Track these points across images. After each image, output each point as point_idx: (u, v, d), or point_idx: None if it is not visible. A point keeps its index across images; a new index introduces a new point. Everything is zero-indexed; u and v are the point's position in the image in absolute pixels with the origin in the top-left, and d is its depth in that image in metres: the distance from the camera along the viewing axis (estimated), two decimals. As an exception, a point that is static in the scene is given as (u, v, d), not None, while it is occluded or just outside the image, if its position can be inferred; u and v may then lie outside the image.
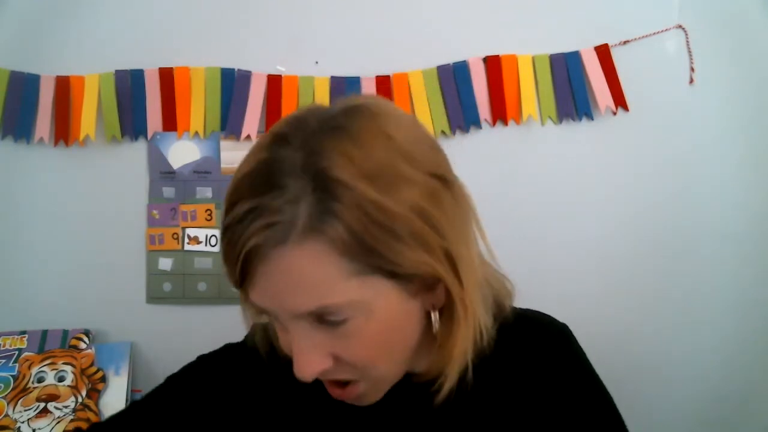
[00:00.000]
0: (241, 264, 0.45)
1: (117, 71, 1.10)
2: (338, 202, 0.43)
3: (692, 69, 1.14)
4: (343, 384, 0.52)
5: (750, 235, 1.15)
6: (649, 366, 1.16)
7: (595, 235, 1.15)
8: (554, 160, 1.14)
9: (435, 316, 0.53)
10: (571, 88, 1.13)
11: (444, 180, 0.50)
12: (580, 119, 1.13)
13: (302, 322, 0.47)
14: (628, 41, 1.13)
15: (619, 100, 1.13)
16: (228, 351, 0.69)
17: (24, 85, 1.08)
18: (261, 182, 0.45)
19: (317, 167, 0.44)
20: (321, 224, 0.43)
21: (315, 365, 0.48)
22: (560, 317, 0.75)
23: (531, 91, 1.12)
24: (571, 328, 0.76)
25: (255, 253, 0.44)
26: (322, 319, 0.46)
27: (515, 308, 0.62)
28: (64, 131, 1.09)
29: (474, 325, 0.52)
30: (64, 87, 1.09)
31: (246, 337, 0.65)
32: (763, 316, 1.16)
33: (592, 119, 1.14)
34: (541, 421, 0.60)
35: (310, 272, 0.44)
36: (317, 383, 0.53)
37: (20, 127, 1.08)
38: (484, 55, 1.13)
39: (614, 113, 1.13)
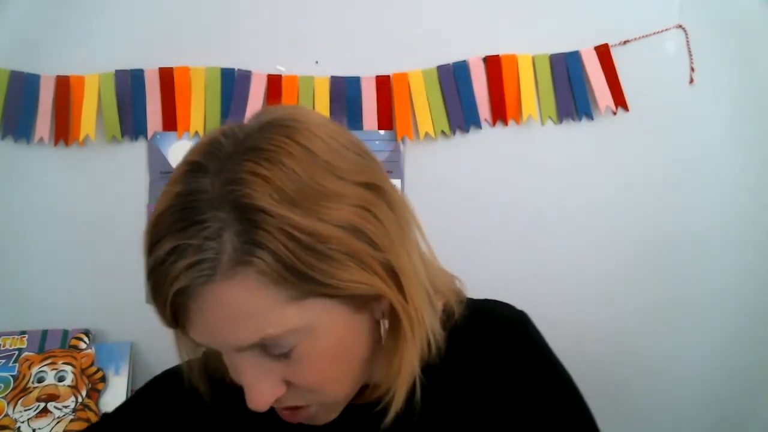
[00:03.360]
0: (171, 306, 0.42)
1: (117, 71, 1.10)
2: (262, 230, 0.41)
3: (692, 69, 1.14)
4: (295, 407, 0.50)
5: (751, 235, 1.15)
6: (650, 366, 1.16)
7: (596, 235, 1.15)
8: (554, 160, 1.14)
9: (384, 326, 0.51)
10: (571, 88, 1.13)
11: (375, 188, 0.47)
12: (580, 119, 1.13)
13: (248, 354, 0.45)
14: (628, 41, 1.13)
15: (619, 100, 1.13)
16: (165, 385, 0.63)
17: (24, 85, 1.08)
18: (179, 218, 0.42)
19: (235, 195, 0.41)
20: (247, 256, 0.41)
21: (268, 395, 0.46)
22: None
23: (531, 91, 1.12)
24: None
25: (183, 293, 0.41)
26: (267, 349, 0.44)
27: (469, 302, 0.59)
28: (64, 131, 1.09)
29: (421, 338, 0.50)
30: (64, 87, 1.09)
31: (182, 373, 0.61)
32: (766, 316, 1.16)
33: (592, 119, 1.14)
34: (501, 420, 0.57)
35: (244, 305, 0.42)
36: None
37: (20, 127, 1.08)
38: (484, 55, 1.13)
39: (614, 113, 1.13)
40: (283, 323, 0.43)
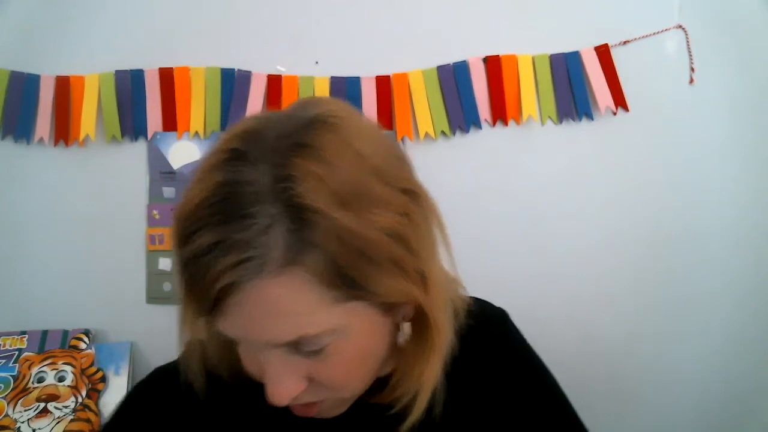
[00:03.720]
0: (209, 299, 0.41)
1: (117, 71, 1.10)
2: (314, 231, 0.40)
3: (692, 69, 1.14)
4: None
5: (751, 235, 1.16)
6: (650, 366, 1.16)
7: (596, 235, 1.15)
8: (554, 160, 1.14)
9: (406, 329, 0.51)
10: (571, 88, 1.13)
11: (414, 194, 0.47)
12: (580, 119, 1.13)
13: (277, 350, 0.44)
14: (628, 41, 1.13)
15: (619, 100, 1.13)
16: (160, 384, 0.63)
17: (24, 85, 1.08)
18: (222, 210, 0.40)
19: (289, 193, 0.40)
20: (297, 255, 0.40)
21: (291, 390, 0.46)
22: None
23: (531, 91, 1.13)
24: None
25: (225, 289, 0.40)
26: (299, 348, 0.44)
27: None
28: (64, 131, 1.09)
29: (444, 345, 0.51)
30: (64, 87, 1.09)
31: (179, 366, 0.60)
32: (765, 316, 1.16)
33: (592, 119, 1.14)
34: (490, 416, 0.59)
35: (287, 303, 0.42)
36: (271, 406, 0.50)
37: (20, 127, 1.08)
38: (484, 55, 1.13)
39: (614, 113, 1.13)
40: (323, 324, 0.43)
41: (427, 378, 0.50)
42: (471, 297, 0.62)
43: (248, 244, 0.39)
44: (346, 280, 0.42)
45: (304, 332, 0.43)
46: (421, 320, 0.49)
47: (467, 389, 0.59)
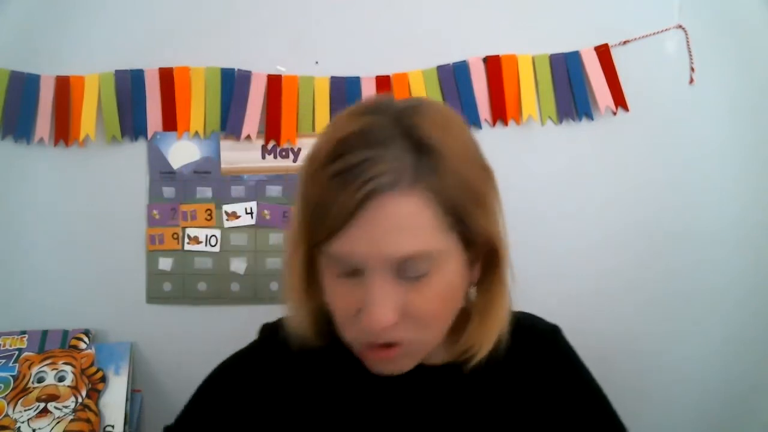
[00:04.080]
0: (348, 208, 0.49)
1: (117, 71, 1.10)
2: (436, 163, 0.51)
3: (692, 69, 1.14)
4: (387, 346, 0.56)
5: (751, 235, 1.15)
6: (650, 366, 1.16)
7: (596, 235, 1.15)
8: (554, 160, 1.14)
9: (473, 290, 0.61)
10: (571, 88, 1.13)
11: (490, 171, 0.60)
12: (580, 119, 1.13)
13: (385, 273, 0.52)
14: (628, 41, 1.13)
15: (619, 100, 1.13)
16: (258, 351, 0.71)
17: (24, 85, 1.08)
18: (367, 139, 0.51)
19: (415, 134, 0.52)
20: (424, 178, 0.51)
21: (390, 314, 0.52)
22: (560, 317, 0.76)
23: (531, 91, 1.13)
24: (571, 328, 0.77)
25: (367, 197, 0.49)
26: (404, 272, 0.52)
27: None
28: (64, 131, 1.09)
29: (507, 307, 0.60)
30: (64, 87, 1.09)
31: (285, 329, 0.66)
32: (765, 316, 1.16)
33: (592, 119, 1.14)
34: (532, 414, 0.64)
35: (411, 218, 0.51)
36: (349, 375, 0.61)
37: (20, 127, 1.08)
38: (484, 55, 1.13)
39: (614, 113, 1.13)
40: (434, 244, 0.52)
41: (492, 327, 0.59)
42: (522, 312, 0.69)
43: (388, 163, 0.50)
44: (455, 210, 0.52)
45: (420, 247, 0.51)
46: (491, 279, 0.59)
47: (515, 393, 0.64)
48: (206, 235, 1.13)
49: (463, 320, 0.61)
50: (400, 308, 0.53)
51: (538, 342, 0.68)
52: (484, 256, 0.59)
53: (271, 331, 0.71)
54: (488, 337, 0.60)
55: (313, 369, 0.66)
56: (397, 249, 0.51)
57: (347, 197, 0.50)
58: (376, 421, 0.63)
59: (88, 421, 0.99)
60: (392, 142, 0.51)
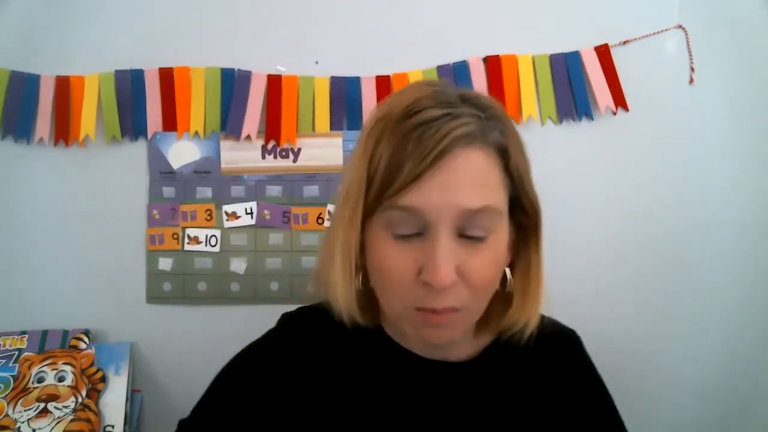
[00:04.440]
0: (427, 159, 0.52)
1: (117, 71, 1.10)
2: (502, 127, 0.58)
3: (692, 69, 1.14)
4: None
5: (751, 235, 1.15)
6: (649, 366, 1.16)
7: (596, 236, 1.15)
8: (554, 160, 1.14)
9: (508, 273, 0.63)
10: (571, 88, 1.13)
11: None
12: (580, 119, 1.13)
13: (450, 231, 0.54)
14: (628, 41, 1.13)
15: (619, 100, 1.13)
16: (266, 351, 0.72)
17: (24, 85, 1.08)
18: (441, 100, 0.56)
19: (478, 103, 0.58)
20: (494, 138, 0.56)
21: (452, 272, 0.54)
22: (560, 317, 0.76)
23: (531, 91, 1.13)
24: (572, 326, 0.78)
25: (446, 149, 0.53)
26: (468, 230, 0.55)
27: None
28: (64, 131, 1.09)
29: (544, 282, 0.63)
30: (64, 87, 1.09)
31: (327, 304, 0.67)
32: (765, 316, 1.16)
33: (592, 119, 1.14)
34: (548, 415, 0.66)
35: (485, 173, 0.56)
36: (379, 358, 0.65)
37: (20, 127, 1.08)
38: (484, 55, 1.13)
39: (614, 113, 1.13)
40: (499, 203, 0.57)
41: (532, 306, 0.63)
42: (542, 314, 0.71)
43: (464, 120, 0.55)
44: (515, 173, 0.58)
45: (490, 202, 0.55)
46: (528, 255, 0.63)
47: (536, 393, 0.67)
48: (206, 235, 1.13)
49: (492, 309, 0.63)
50: (457, 268, 0.55)
51: (561, 346, 0.71)
52: (518, 235, 0.63)
53: (292, 320, 0.72)
54: (532, 312, 0.63)
55: (340, 357, 0.67)
56: (471, 200, 0.54)
57: (426, 148, 0.53)
58: (399, 415, 0.64)
59: (88, 421, 0.99)
60: (462, 106, 0.56)
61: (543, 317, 0.71)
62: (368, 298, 0.64)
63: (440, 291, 0.55)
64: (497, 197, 0.57)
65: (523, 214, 0.61)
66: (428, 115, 0.54)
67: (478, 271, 0.56)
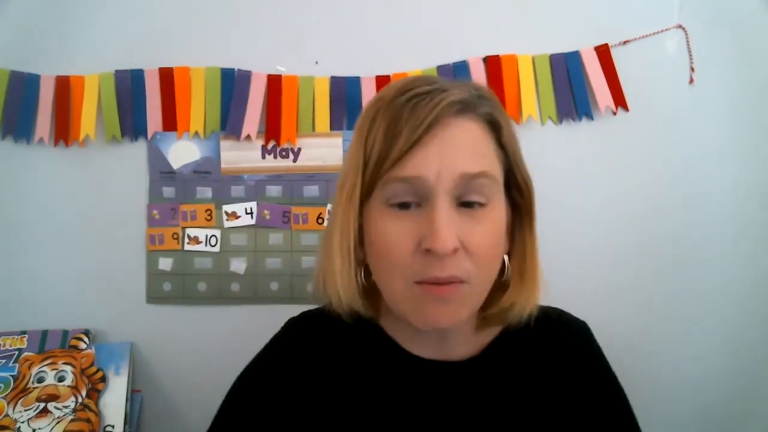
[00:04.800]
0: (421, 127, 0.54)
1: (117, 71, 1.10)
2: (493, 104, 0.61)
3: (692, 69, 1.14)
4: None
5: (750, 235, 1.15)
6: (650, 367, 1.16)
7: (595, 236, 1.15)
8: (554, 160, 1.14)
9: (506, 260, 0.64)
10: (571, 88, 1.13)
11: None
12: (580, 119, 1.13)
13: (448, 200, 0.55)
14: (628, 41, 1.13)
15: (619, 100, 1.13)
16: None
17: (24, 85, 1.08)
18: (434, 80, 0.59)
19: (471, 84, 0.61)
20: (485, 110, 0.59)
21: (453, 237, 0.54)
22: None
23: (531, 91, 1.13)
24: (582, 319, 0.78)
25: (438, 118, 0.55)
26: (467, 196, 0.56)
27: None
28: (64, 131, 1.09)
29: (540, 263, 0.64)
30: (64, 87, 1.09)
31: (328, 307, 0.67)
32: (765, 316, 1.16)
33: (592, 119, 1.14)
34: (557, 410, 0.65)
35: (479, 142, 0.58)
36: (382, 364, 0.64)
37: (20, 127, 1.08)
38: (484, 55, 1.13)
39: (614, 113, 1.13)
40: (494, 170, 0.59)
41: (531, 293, 0.63)
42: (550, 306, 0.73)
43: (456, 94, 0.57)
44: (507, 147, 0.61)
45: (486, 168, 0.57)
46: (522, 238, 0.63)
47: (543, 387, 0.66)
48: (206, 235, 1.13)
49: (492, 298, 0.63)
50: (459, 240, 0.55)
51: (568, 337, 0.70)
52: (513, 218, 0.64)
53: (296, 325, 0.72)
54: (531, 294, 0.63)
55: (343, 361, 0.67)
56: (468, 165, 0.56)
57: (421, 116, 0.55)
58: (403, 418, 0.64)
59: (88, 421, 0.99)
60: (455, 86, 0.59)
61: (550, 309, 0.71)
62: (369, 293, 0.64)
63: (443, 259, 0.54)
64: (493, 166, 0.59)
65: (518, 193, 0.62)
66: (421, 90, 0.57)
67: (479, 241, 0.56)
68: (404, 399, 0.64)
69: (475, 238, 0.56)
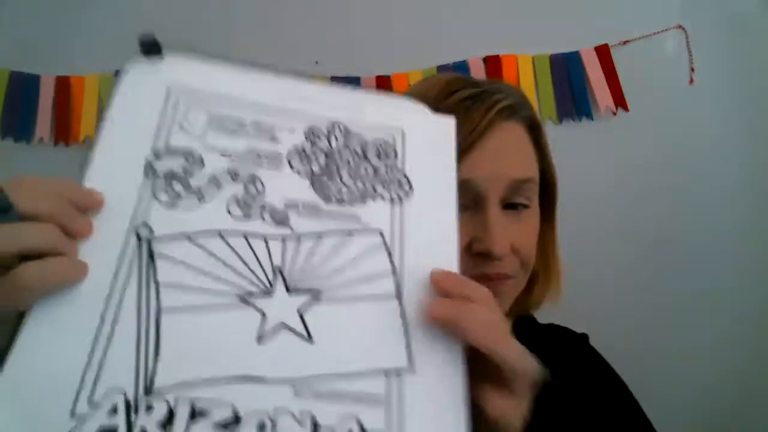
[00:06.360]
0: (476, 131, 0.54)
1: (117, 71, 1.10)
2: (530, 106, 0.60)
3: (692, 69, 1.14)
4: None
5: (750, 235, 1.15)
6: (650, 367, 1.16)
7: (595, 236, 1.15)
8: (554, 160, 1.13)
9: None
10: (571, 88, 1.13)
11: None
12: (580, 119, 1.13)
13: (498, 202, 0.56)
14: (628, 41, 1.13)
15: (619, 100, 1.13)
16: None
17: (24, 85, 1.08)
18: (472, 81, 0.59)
19: (503, 84, 0.61)
20: (529, 114, 0.59)
21: (507, 242, 0.56)
22: (560, 318, 0.76)
23: (531, 91, 1.13)
24: (570, 327, 0.78)
25: (494, 120, 0.55)
26: (513, 198, 0.57)
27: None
28: (64, 131, 1.09)
29: (561, 260, 0.68)
30: (64, 87, 1.09)
31: None
32: (765, 317, 1.16)
33: (592, 119, 1.14)
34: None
35: (526, 145, 0.59)
36: None
37: (20, 127, 1.08)
38: (484, 55, 1.13)
39: (614, 113, 1.13)
40: (536, 174, 0.60)
41: (555, 289, 0.67)
42: (550, 323, 0.74)
43: (504, 95, 0.57)
44: (543, 149, 0.62)
45: (532, 174, 0.59)
46: (545, 238, 0.66)
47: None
48: (206, 235, 1.13)
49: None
50: (509, 241, 0.57)
51: (572, 344, 0.72)
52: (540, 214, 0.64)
53: None
54: (555, 290, 0.67)
55: None
56: (518, 171, 0.56)
57: (475, 119, 0.55)
58: None
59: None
60: (497, 88, 0.59)
61: (549, 326, 0.72)
62: None
63: (494, 261, 0.55)
64: (535, 169, 0.60)
65: (546, 193, 0.64)
66: (468, 92, 0.56)
67: (525, 242, 0.58)
68: None
69: (521, 240, 0.58)
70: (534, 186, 0.59)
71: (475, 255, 0.55)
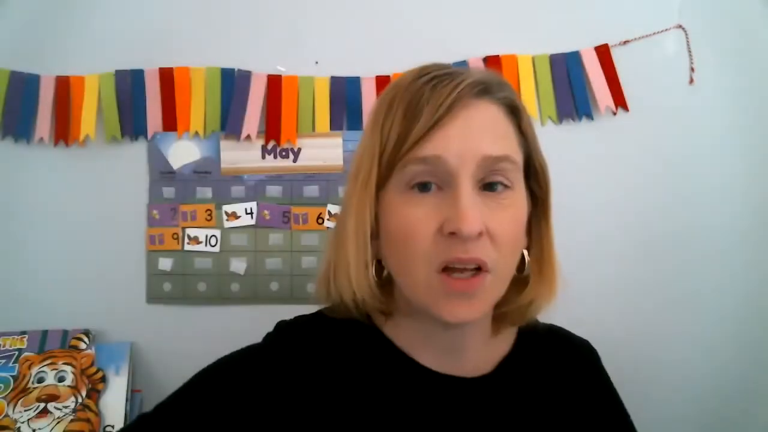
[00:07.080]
0: (442, 109, 0.53)
1: (117, 71, 1.10)
2: (511, 90, 0.59)
3: (692, 69, 1.14)
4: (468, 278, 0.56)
5: (750, 235, 1.15)
6: (650, 367, 1.16)
7: (595, 236, 1.15)
8: (554, 160, 1.13)
9: (526, 255, 0.63)
10: (571, 88, 1.13)
11: None
12: (580, 119, 1.14)
13: (471, 183, 0.54)
14: (628, 41, 1.13)
15: (619, 100, 1.13)
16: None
17: (24, 85, 1.08)
18: (446, 67, 0.58)
19: (489, 70, 0.61)
20: (504, 95, 0.58)
21: (479, 219, 0.53)
22: (559, 318, 0.76)
23: (531, 91, 1.13)
24: (571, 328, 0.77)
25: (459, 99, 0.54)
26: (490, 178, 0.55)
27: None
28: (64, 131, 1.09)
29: (557, 257, 0.65)
30: (64, 87, 1.09)
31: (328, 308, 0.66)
32: (765, 317, 1.16)
33: (592, 119, 1.14)
34: (562, 425, 0.64)
35: (500, 124, 0.57)
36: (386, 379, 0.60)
37: (20, 127, 1.08)
38: (484, 55, 1.13)
39: (614, 113, 1.13)
40: (516, 156, 0.57)
41: (551, 286, 0.64)
42: (553, 324, 0.72)
43: (475, 76, 0.56)
44: (526, 134, 0.60)
45: (508, 152, 0.56)
46: (539, 233, 0.64)
47: (552, 404, 0.65)
48: (206, 236, 1.13)
49: (509, 295, 0.62)
50: (484, 223, 0.54)
51: (575, 357, 0.70)
52: (531, 210, 0.62)
53: (289, 329, 0.66)
54: (550, 290, 0.63)
55: (343, 371, 0.61)
56: (491, 147, 0.54)
57: (442, 95, 0.53)
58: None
59: (88, 421, 0.99)
60: (472, 69, 0.59)
61: (554, 327, 0.71)
62: (382, 291, 0.60)
63: (466, 242, 0.52)
64: (515, 150, 0.57)
65: (536, 182, 0.62)
66: (440, 72, 0.56)
67: (504, 227, 0.55)
68: (412, 416, 0.59)
69: (499, 224, 0.55)
70: (513, 167, 0.56)
71: (448, 237, 0.53)
